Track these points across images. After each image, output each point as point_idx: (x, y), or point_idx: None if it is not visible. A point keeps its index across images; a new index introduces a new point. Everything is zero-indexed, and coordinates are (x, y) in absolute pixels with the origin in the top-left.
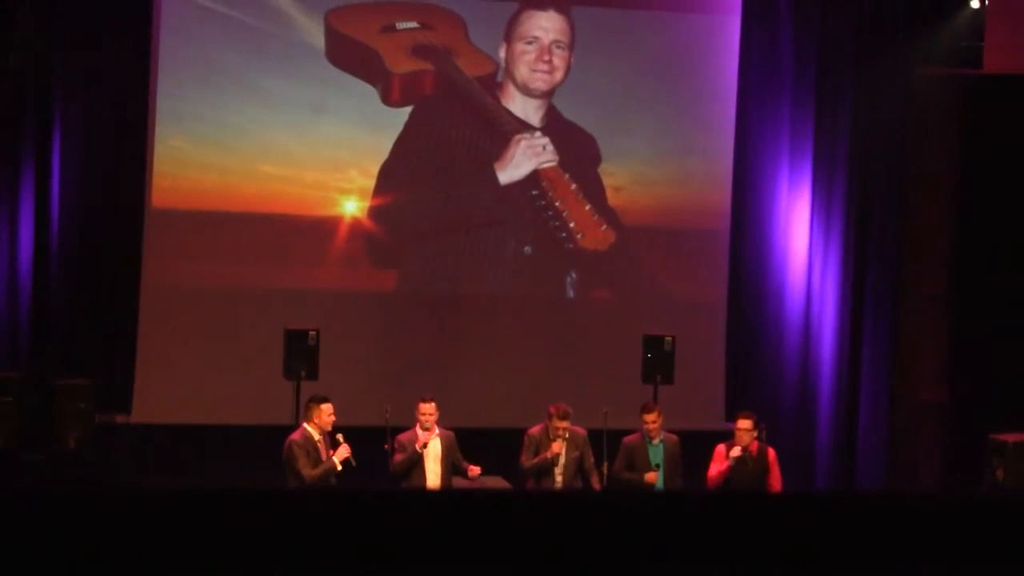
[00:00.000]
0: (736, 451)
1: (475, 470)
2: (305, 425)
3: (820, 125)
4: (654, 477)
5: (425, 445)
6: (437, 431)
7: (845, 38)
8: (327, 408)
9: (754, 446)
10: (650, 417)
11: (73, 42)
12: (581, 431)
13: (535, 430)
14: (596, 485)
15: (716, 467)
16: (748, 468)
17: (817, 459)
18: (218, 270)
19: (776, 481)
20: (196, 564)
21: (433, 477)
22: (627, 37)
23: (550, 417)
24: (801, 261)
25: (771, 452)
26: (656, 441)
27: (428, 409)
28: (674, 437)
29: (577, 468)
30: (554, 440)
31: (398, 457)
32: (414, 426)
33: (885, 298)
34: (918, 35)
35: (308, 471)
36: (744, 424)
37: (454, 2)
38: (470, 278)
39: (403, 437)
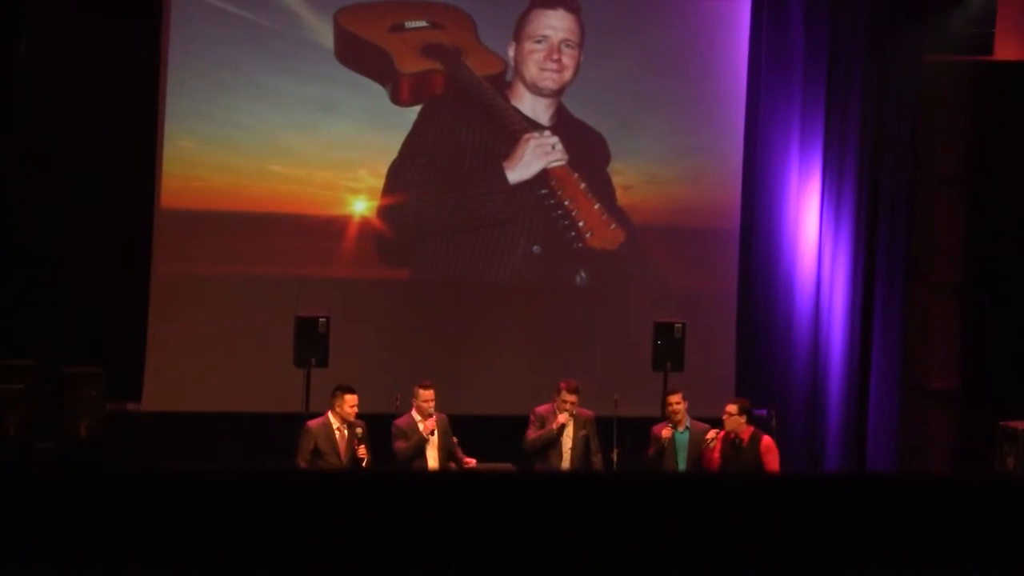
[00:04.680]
0: (711, 434)
1: (471, 462)
2: (328, 413)
3: (831, 113)
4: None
5: (432, 431)
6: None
7: (855, 26)
8: (350, 399)
9: (746, 433)
10: (673, 399)
11: (82, 42)
12: (588, 413)
13: (542, 408)
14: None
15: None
16: (739, 456)
17: (827, 447)
18: (227, 267)
19: (771, 469)
20: (200, 546)
21: (433, 462)
22: (636, 33)
23: (559, 391)
24: (811, 249)
25: (765, 440)
26: (682, 428)
27: (429, 395)
28: (704, 427)
29: (585, 448)
30: (560, 414)
31: (402, 444)
32: (409, 411)
33: (895, 286)
34: (928, 22)
35: (301, 462)
36: (729, 408)
37: (463, 1)
38: (480, 277)
39: (401, 422)
